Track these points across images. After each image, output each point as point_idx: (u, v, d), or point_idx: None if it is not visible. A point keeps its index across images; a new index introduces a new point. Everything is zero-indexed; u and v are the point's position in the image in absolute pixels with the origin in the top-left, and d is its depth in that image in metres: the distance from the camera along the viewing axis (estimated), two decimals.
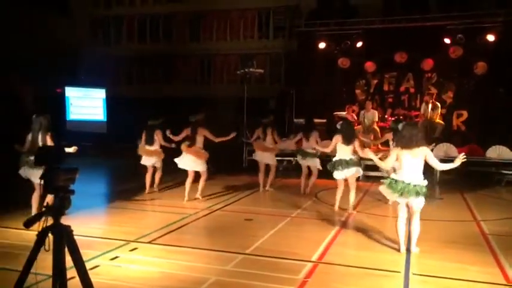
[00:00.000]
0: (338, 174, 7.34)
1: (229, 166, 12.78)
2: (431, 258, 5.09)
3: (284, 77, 18.93)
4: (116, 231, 6.11)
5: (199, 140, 8.10)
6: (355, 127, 13.47)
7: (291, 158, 12.47)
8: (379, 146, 12.97)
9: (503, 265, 4.89)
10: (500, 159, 11.40)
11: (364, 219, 7.00)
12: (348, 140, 7.33)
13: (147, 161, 8.85)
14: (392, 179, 5.26)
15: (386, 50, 14.14)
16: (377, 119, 13.30)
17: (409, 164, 5.16)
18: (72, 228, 6.25)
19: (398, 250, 5.32)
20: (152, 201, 8.37)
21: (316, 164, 9.00)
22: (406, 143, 5.18)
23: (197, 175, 8.32)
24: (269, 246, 5.46)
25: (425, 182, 5.19)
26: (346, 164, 7.25)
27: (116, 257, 4.95)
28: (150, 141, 8.75)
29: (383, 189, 5.38)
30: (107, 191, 10.42)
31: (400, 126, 5.93)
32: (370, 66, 14.74)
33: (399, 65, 14.45)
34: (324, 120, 14.02)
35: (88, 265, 4.59)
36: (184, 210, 7.45)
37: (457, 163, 5.23)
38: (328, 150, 7.77)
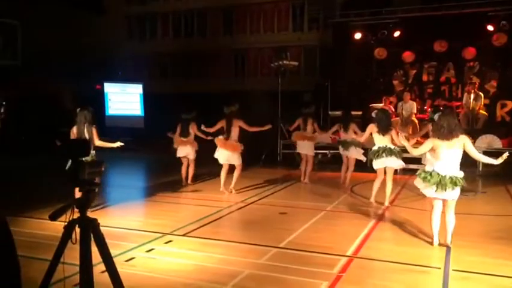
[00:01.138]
0: (378, 164, 7.10)
1: (265, 159, 12.77)
2: (473, 254, 4.89)
3: (319, 70, 18.72)
4: (151, 224, 6.20)
5: (235, 132, 8.13)
6: (393, 118, 13.19)
7: (326, 151, 12.33)
8: (419, 139, 12.62)
9: None
10: None
11: (402, 213, 6.81)
12: (383, 130, 7.06)
13: (181, 151, 8.95)
14: (427, 171, 5.08)
15: (425, 39, 13.72)
16: (415, 111, 12.94)
17: (446, 155, 4.96)
18: (110, 220, 6.43)
19: (432, 244, 5.16)
20: (187, 194, 8.46)
21: (359, 153, 8.86)
22: (443, 133, 4.96)
23: (232, 167, 8.35)
24: (303, 240, 5.40)
25: (462, 174, 4.98)
26: (388, 152, 6.98)
27: (152, 249, 5.03)
28: (185, 134, 8.87)
29: (418, 183, 5.22)
30: (144, 185, 10.63)
31: (436, 116, 5.70)
32: (408, 56, 14.35)
33: (439, 54, 14.00)
34: (360, 113, 13.75)
35: (124, 257, 4.74)
36: (219, 204, 7.49)
37: (499, 161, 4.98)
38: (362, 139, 7.60)
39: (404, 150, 7.35)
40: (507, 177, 9.93)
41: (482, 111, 12.58)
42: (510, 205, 7.54)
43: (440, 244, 5.15)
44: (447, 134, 4.94)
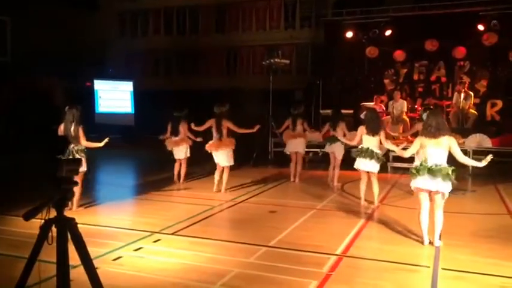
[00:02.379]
0: (359, 164, 7.03)
1: (256, 158, 12.72)
2: (463, 253, 4.89)
3: (311, 68, 18.71)
4: (140, 222, 6.13)
5: (224, 132, 8.06)
6: (384, 117, 13.22)
7: (318, 150, 12.32)
8: (409, 137, 12.66)
9: None
10: None
11: (391, 212, 6.81)
12: (372, 131, 6.97)
13: (179, 153, 8.88)
14: (416, 165, 5.10)
15: (416, 38, 13.76)
16: (406, 109, 12.99)
17: (432, 153, 4.99)
18: (98, 219, 6.35)
19: (423, 243, 5.15)
20: (178, 193, 8.40)
21: (341, 151, 8.79)
22: (431, 132, 4.99)
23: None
24: (292, 239, 5.37)
25: (452, 168, 4.95)
26: (369, 154, 6.89)
27: (140, 248, 4.97)
28: (175, 132, 8.80)
29: (412, 182, 5.17)
30: (134, 183, 10.53)
31: (424, 115, 5.69)
32: (399, 55, 14.40)
33: (430, 54, 14.06)
34: (351, 111, 13.78)
35: (111, 256, 4.68)
36: (209, 202, 7.44)
37: (483, 163, 4.97)
38: (354, 143, 7.55)
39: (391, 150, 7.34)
40: (497, 177, 9.99)
41: (472, 111, 12.65)
42: (500, 204, 7.57)
43: (430, 243, 5.14)
44: (434, 133, 4.97)
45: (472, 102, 12.72)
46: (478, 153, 11.37)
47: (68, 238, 2.20)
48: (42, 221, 2.16)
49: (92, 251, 4.62)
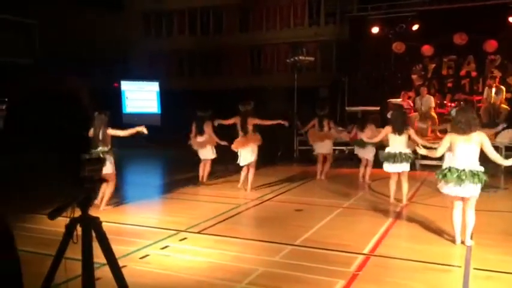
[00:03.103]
0: (388, 167, 6.93)
1: (281, 156, 12.69)
2: (494, 253, 4.74)
3: (336, 65, 18.51)
4: (167, 221, 6.19)
5: (249, 129, 8.07)
6: (411, 114, 12.97)
7: (344, 148, 12.19)
8: (438, 133, 12.38)
9: None
10: None
11: (420, 210, 6.66)
12: (399, 130, 6.83)
13: (205, 154, 8.90)
14: (445, 169, 4.93)
15: (444, 32, 13.40)
16: (433, 105, 12.69)
17: (463, 150, 4.84)
18: (126, 218, 6.43)
19: (454, 242, 5.02)
20: (203, 192, 8.43)
21: (371, 152, 8.81)
22: (461, 128, 4.84)
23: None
24: (319, 238, 5.31)
25: (482, 169, 4.82)
26: (397, 157, 6.78)
27: (166, 247, 5.01)
28: (200, 132, 8.82)
29: (440, 185, 5.05)
30: (161, 182, 10.65)
31: (453, 112, 5.55)
32: (427, 49, 14.09)
33: (459, 48, 13.70)
34: (378, 108, 13.56)
35: (139, 254, 4.73)
36: (235, 201, 7.45)
37: (508, 162, 4.84)
38: (376, 140, 7.48)
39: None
40: None
41: (503, 106, 12.26)
42: None
43: (462, 242, 5.01)
44: (465, 129, 4.83)
45: (504, 97, 12.32)
46: (511, 150, 11.04)
47: (92, 237, 2.23)
48: (68, 220, 2.19)
49: (120, 249, 4.74)
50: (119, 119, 17.97)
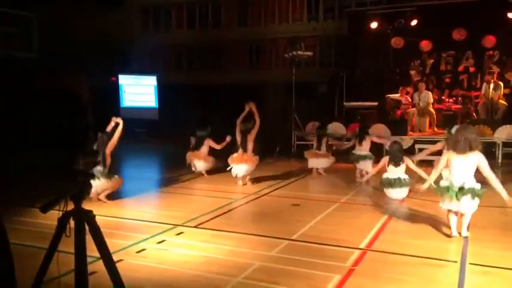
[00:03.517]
0: (389, 193, 7.06)
1: (279, 151, 12.68)
2: (491, 248, 4.74)
3: (334, 60, 18.48)
4: (163, 215, 6.18)
5: (249, 147, 8.15)
6: (409, 110, 12.97)
7: (346, 142, 12.19)
8: (436, 128, 12.42)
9: None
10: None
11: (417, 206, 6.67)
12: (396, 163, 7.02)
13: (199, 166, 9.15)
14: (443, 186, 5.01)
15: (443, 27, 13.37)
16: (432, 101, 12.69)
17: (460, 166, 4.91)
18: (123, 212, 6.42)
19: (450, 236, 5.05)
20: (200, 186, 8.43)
21: (368, 167, 8.71)
22: (460, 147, 4.86)
23: None
24: (315, 233, 5.31)
25: (479, 185, 4.91)
26: (398, 183, 6.92)
27: (163, 241, 5.00)
28: (197, 148, 9.19)
29: (440, 200, 5.12)
30: (158, 176, 10.64)
31: (453, 130, 5.63)
32: (425, 45, 14.07)
33: (457, 43, 13.67)
34: (376, 103, 13.56)
35: (135, 248, 4.72)
36: (232, 195, 7.44)
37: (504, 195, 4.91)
38: (373, 171, 7.72)
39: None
40: None
41: (502, 101, 12.27)
42: None
43: (459, 233, 5.07)
44: (464, 149, 4.85)
45: (502, 93, 12.32)
46: (509, 145, 11.06)
47: (85, 230, 2.21)
48: (60, 213, 2.18)
49: (117, 243, 4.73)
50: (117, 112, 17.95)
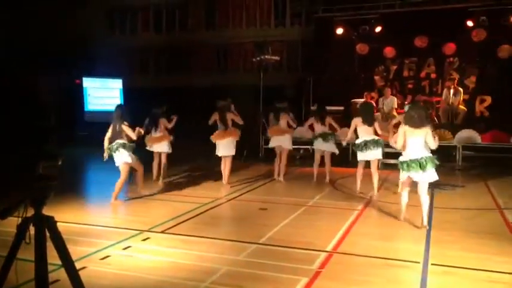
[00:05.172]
0: (363, 156, 7.40)
1: (247, 155, 12.68)
2: (452, 249, 4.90)
3: (301, 65, 18.66)
4: (129, 221, 6.07)
5: (229, 124, 8.42)
6: (375, 113, 13.23)
7: (308, 147, 12.30)
8: (394, 129, 12.71)
9: None
10: None
11: (382, 208, 6.81)
12: (368, 121, 7.37)
13: (161, 147, 8.83)
14: (402, 162, 5.58)
15: (406, 34, 13.74)
16: (396, 106, 13.01)
17: (414, 141, 5.50)
18: (86, 217, 6.26)
19: (400, 218, 5.77)
20: (167, 191, 8.32)
21: (333, 148, 8.80)
22: (415, 122, 5.47)
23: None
24: (283, 236, 5.34)
25: (434, 156, 5.54)
26: (370, 145, 7.27)
27: (128, 247, 4.91)
28: (155, 128, 8.87)
29: (401, 175, 5.69)
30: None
31: (406, 108, 6.16)
32: (389, 51, 14.40)
33: (419, 50, 14.06)
34: (342, 108, 13.78)
35: (99, 255, 4.62)
36: (199, 200, 7.39)
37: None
38: (348, 137, 7.80)
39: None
40: (486, 172, 10.07)
41: (461, 107, 12.71)
42: (489, 199, 7.60)
43: (416, 226, 5.59)
44: (418, 123, 5.46)
45: (462, 99, 12.77)
46: (468, 149, 11.47)
47: (46, 237, 2.14)
48: (20, 219, 2.09)
49: (80, 250, 4.62)
50: (81, 116, 17.51)
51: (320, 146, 8.93)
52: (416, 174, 5.47)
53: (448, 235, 5.39)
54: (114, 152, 7.12)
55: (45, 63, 15.10)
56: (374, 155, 7.35)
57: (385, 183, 8.86)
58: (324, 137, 8.84)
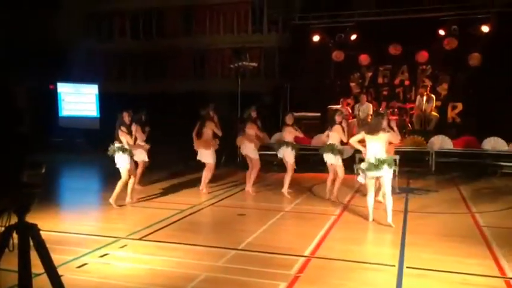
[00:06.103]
0: (327, 158, 7.78)
1: (224, 161, 12.67)
2: (426, 252, 5.02)
3: (278, 71, 18.80)
4: (106, 228, 6.01)
5: (209, 134, 8.41)
6: (350, 120, 13.45)
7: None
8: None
9: (498, 257, 4.83)
10: (495, 151, 11.34)
11: (357, 213, 6.92)
12: (330, 126, 7.90)
13: (137, 155, 8.63)
14: (365, 163, 6.16)
15: (380, 42, 14.03)
16: (372, 112, 13.22)
17: (373, 145, 6.13)
18: (63, 225, 6.16)
19: (368, 219, 6.25)
20: (144, 197, 8.25)
21: (290, 157, 8.29)
22: (371, 129, 6.21)
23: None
24: (261, 242, 5.38)
25: (391, 157, 6.32)
26: (329, 149, 7.71)
27: (105, 255, 4.86)
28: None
29: (361, 178, 6.36)
30: (99, 188, 10.29)
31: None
32: (364, 59, 14.66)
33: (394, 58, 14.36)
34: (318, 114, 13.94)
35: (77, 263, 4.56)
36: (177, 206, 7.35)
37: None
38: (324, 138, 8.11)
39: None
40: (458, 177, 10.34)
41: (434, 113, 13.02)
42: (461, 203, 7.81)
43: (381, 224, 6.05)
44: (373, 131, 6.17)
45: (434, 105, 13.09)
46: (440, 155, 11.76)
47: (30, 245, 2.11)
48: (2, 228, 2.07)
49: (56, 258, 4.50)
50: (55, 122, 17.19)
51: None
52: (377, 173, 6.05)
53: (423, 239, 5.52)
54: (116, 153, 7.39)
55: (17, 67, 14.79)
56: (331, 160, 7.78)
57: (359, 189, 8.99)
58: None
